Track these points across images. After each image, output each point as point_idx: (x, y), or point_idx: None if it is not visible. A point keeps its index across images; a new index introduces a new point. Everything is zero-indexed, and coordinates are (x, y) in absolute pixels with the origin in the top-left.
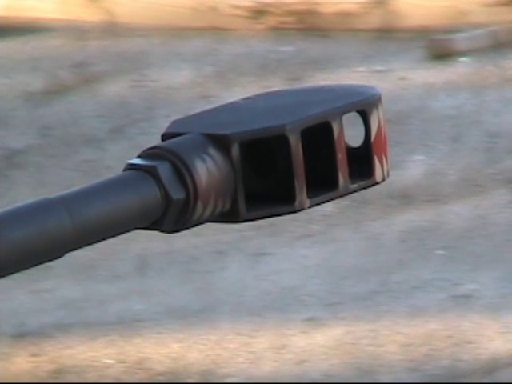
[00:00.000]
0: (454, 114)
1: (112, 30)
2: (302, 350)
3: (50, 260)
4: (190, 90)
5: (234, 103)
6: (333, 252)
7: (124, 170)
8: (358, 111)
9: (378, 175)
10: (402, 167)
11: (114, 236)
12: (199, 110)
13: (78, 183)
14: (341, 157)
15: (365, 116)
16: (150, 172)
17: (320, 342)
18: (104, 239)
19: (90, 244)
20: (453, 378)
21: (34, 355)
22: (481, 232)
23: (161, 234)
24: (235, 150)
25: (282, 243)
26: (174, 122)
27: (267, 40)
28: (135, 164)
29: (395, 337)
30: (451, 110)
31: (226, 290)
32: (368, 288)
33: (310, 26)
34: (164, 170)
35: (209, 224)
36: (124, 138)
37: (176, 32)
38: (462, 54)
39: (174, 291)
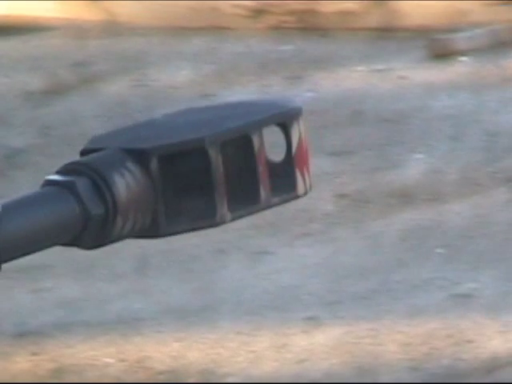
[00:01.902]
0: (453, 113)
1: (112, 29)
2: (302, 349)
3: None
4: (190, 89)
5: (153, 119)
6: (333, 251)
7: (42, 185)
8: (278, 124)
9: (300, 188)
10: (402, 166)
11: (32, 253)
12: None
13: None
14: (262, 170)
15: (285, 129)
16: (69, 187)
17: (320, 342)
18: (22, 256)
19: (8, 260)
20: (453, 377)
21: (34, 354)
22: (481, 231)
23: None
24: (154, 164)
25: (282, 242)
26: (94, 138)
27: (267, 39)
28: (54, 180)
29: (395, 336)
30: (451, 110)
31: (226, 289)
32: (368, 287)
33: (309, 26)
34: (82, 185)
35: None
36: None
37: (176, 31)
38: (462, 53)
39: (174, 290)
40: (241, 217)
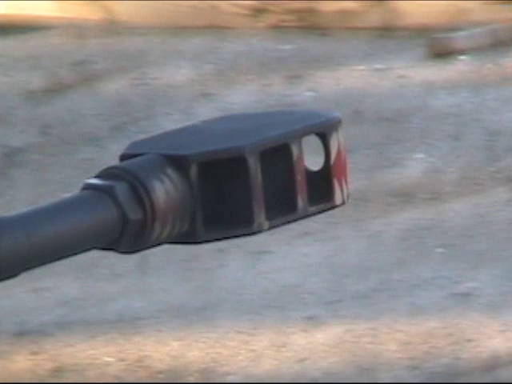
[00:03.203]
0: (453, 112)
1: (112, 28)
2: (302, 348)
3: (6, 279)
4: (190, 88)
5: (193, 125)
6: (333, 250)
7: (82, 189)
8: (317, 134)
9: (338, 198)
10: (402, 165)
11: (70, 256)
12: (199, 108)
13: (77, 181)
14: (300, 179)
15: (324, 139)
16: (108, 192)
17: (320, 340)
18: (61, 259)
19: (46, 263)
20: (453, 376)
21: (34, 353)
22: (481, 230)
23: None
24: (193, 171)
25: (282, 241)
26: (133, 143)
27: (267, 38)
28: (93, 184)
29: (395, 335)
30: (451, 109)
31: (226, 288)
32: (368, 286)
33: (310, 25)
34: (122, 190)
35: None
36: (124, 137)
37: (176, 30)
38: (461, 52)
39: (174, 289)
40: (278, 225)
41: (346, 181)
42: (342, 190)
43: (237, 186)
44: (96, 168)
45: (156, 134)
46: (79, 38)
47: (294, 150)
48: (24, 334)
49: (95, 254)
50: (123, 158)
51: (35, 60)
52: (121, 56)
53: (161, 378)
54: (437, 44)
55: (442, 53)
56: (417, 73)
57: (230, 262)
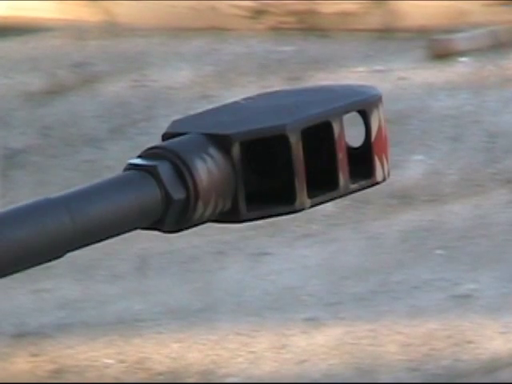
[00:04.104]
0: (453, 113)
1: (112, 29)
2: (302, 349)
3: (51, 260)
4: (189, 89)
5: (234, 103)
6: (333, 252)
7: (124, 169)
8: (358, 111)
9: (379, 175)
10: (402, 167)
11: (114, 236)
12: (199, 109)
13: (78, 183)
14: (341, 157)
15: (365, 116)
16: (151, 172)
17: (320, 342)
18: (105, 239)
19: (90, 244)
20: (453, 377)
21: (33, 355)
22: (480, 232)
23: (160, 233)
24: (236, 150)
25: (282, 243)
26: (175, 122)
27: (267, 40)
28: (136, 164)
29: (395, 337)
30: (451, 110)
31: (226, 289)
32: (368, 288)
33: (310, 26)
34: (164, 169)
35: (209, 224)
36: (124, 138)
37: (176, 32)
38: (461, 53)
39: (174, 291)
40: (320, 203)
41: (386, 157)
42: (383, 167)
43: (279, 164)
44: (96, 169)
45: (198, 112)
46: (79, 40)
47: (336, 128)
48: (24, 335)
49: (95, 256)
50: (165, 137)
51: (35, 62)
52: (120, 58)
53: (161, 379)
54: (437, 45)
55: (442, 54)
56: (417, 74)
57: (230, 263)
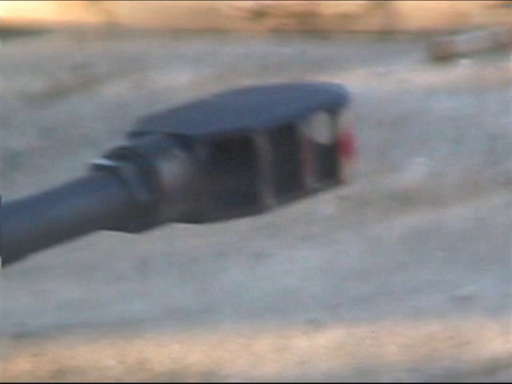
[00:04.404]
0: (454, 115)
1: (112, 31)
2: (303, 351)
3: (12, 263)
4: (190, 91)
5: (202, 100)
6: (334, 253)
7: (89, 169)
8: (325, 111)
9: (345, 175)
10: (403, 169)
11: (78, 237)
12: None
13: None
14: (307, 157)
15: (332, 115)
16: (115, 173)
17: (321, 344)
18: (68, 241)
19: (53, 246)
20: (453, 378)
21: (34, 356)
22: (481, 233)
23: (161, 234)
24: (201, 151)
25: (282, 245)
26: (141, 120)
27: (267, 41)
28: (100, 164)
29: (396, 338)
30: (452, 112)
31: (227, 291)
32: (369, 289)
33: (310, 28)
34: (128, 171)
35: (209, 225)
36: (124, 140)
37: (176, 33)
38: (462, 55)
39: (175, 292)
40: (286, 204)
41: (353, 157)
42: (349, 168)
43: (244, 166)
44: None
45: (165, 110)
46: (79, 41)
47: (303, 129)
48: (24, 336)
49: (96, 257)
50: (131, 136)
51: (35, 63)
52: (121, 59)
53: (161, 380)
54: (437, 47)
55: (442, 56)
56: (417, 76)
57: (231, 265)
